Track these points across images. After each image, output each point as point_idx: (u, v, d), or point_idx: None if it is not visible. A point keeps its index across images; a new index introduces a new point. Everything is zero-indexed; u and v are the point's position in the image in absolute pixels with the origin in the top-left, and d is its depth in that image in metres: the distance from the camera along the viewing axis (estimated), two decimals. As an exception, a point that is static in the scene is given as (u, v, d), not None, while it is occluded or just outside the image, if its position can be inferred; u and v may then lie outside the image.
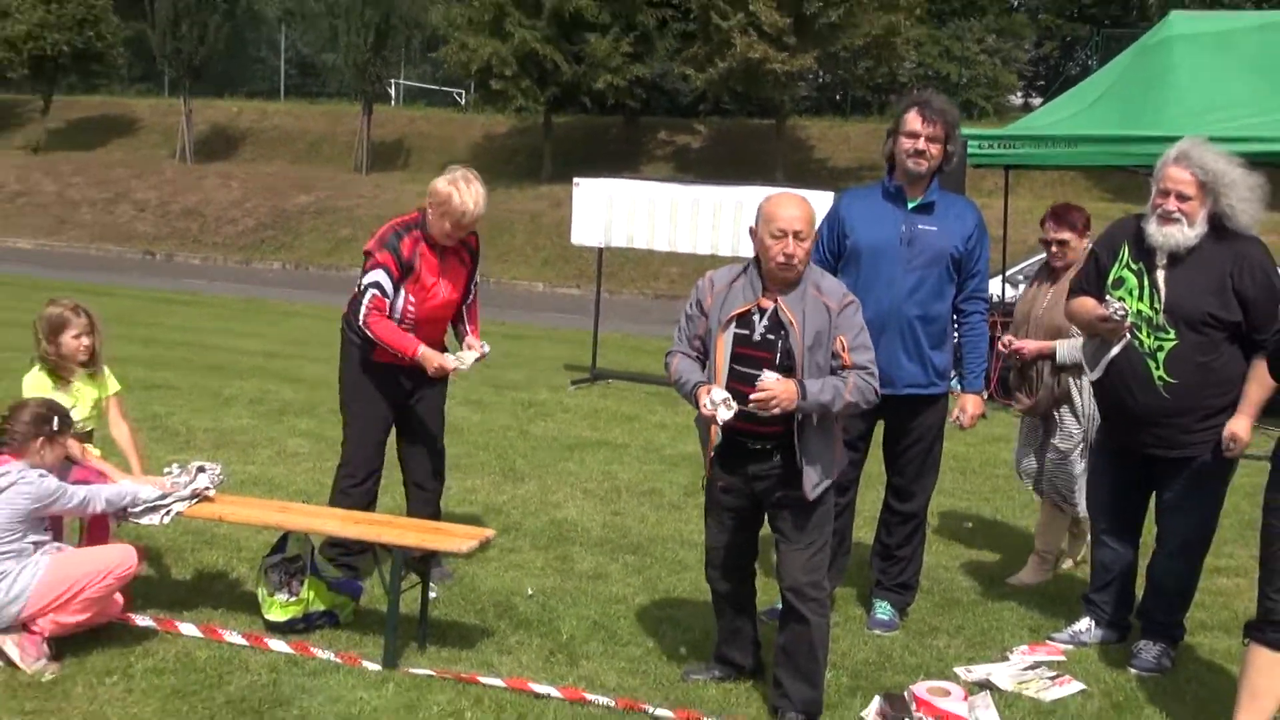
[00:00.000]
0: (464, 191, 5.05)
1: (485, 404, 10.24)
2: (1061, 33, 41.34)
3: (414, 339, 5.15)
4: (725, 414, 3.91)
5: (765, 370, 3.95)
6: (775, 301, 4.09)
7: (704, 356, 4.22)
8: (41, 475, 4.47)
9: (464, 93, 39.38)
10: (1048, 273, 6.08)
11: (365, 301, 5.09)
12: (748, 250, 4.38)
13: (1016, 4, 43.25)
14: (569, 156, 30.03)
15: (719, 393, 3.93)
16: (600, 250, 12.03)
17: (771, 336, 4.08)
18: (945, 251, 5.05)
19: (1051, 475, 5.91)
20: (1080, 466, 5.78)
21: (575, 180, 11.82)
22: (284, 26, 44.72)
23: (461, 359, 5.26)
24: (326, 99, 40.16)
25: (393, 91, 38.70)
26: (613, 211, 11.22)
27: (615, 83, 28.63)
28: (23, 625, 4.41)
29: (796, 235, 3.99)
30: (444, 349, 5.37)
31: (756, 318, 4.09)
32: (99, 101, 37.93)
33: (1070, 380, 5.76)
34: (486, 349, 5.38)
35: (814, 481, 4.10)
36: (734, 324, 4.09)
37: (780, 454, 4.13)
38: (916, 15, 29.21)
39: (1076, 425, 5.81)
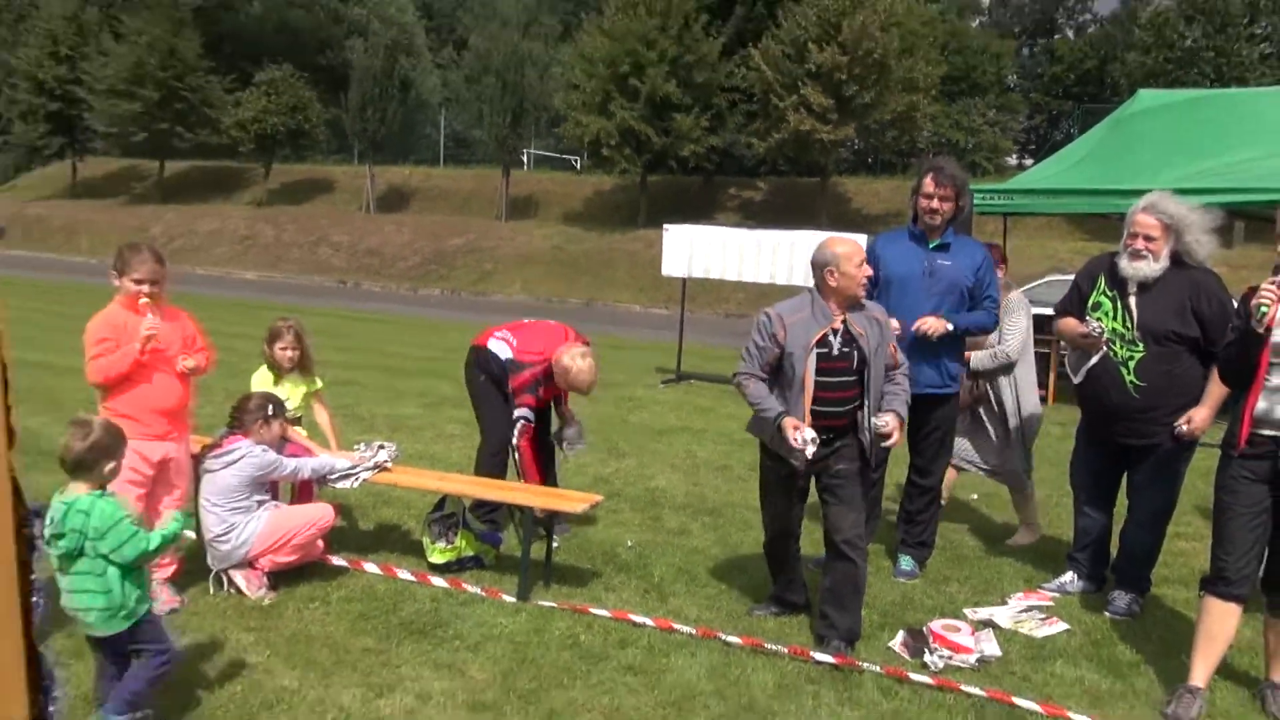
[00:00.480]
0: (583, 375, 5.20)
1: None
2: (1049, 107, 40.44)
3: (536, 473, 5.26)
4: (812, 449, 3.91)
5: (882, 414, 4.12)
6: (846, 321, 4.06)
7: (773, 377, 4.13)
8: (263, 450, 4.57)
9: (579, 158, 39.52)
10: None
11: (517, 428, 5.17)
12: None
13: (1012, 85, 42.32)
14: (659, 207, 29.92)
15: (809, 432, 3.91)
16: (684, 279, 11.98)
17: (847, 349, 4.06)
18: (959, 282, 4.94)
19: (996, 469, 5.80)
20: (1019, 452, 5.70)
21: (665, 226, 11.78)
22: (443, 110, 45.31)
23: (570, 444, 5.58)
24: (475, 164, 40.53)
25: (525, 158, 39.01)
26: (694, 250, 11.17)
27: (695, 150, 28.49)
28: (249, 563, 4.51)
29: (863, 265, 4.05)
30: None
31: (832, 337, 4.05)
32: (306, 168, 38.74)
33: (989, 384, 5.67)
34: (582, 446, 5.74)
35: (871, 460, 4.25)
36: (816, 346, 4.03)
37: (840, 441, 4.11)
38: (932, 95, 28.70)
39: (1003, 423, 5.70)
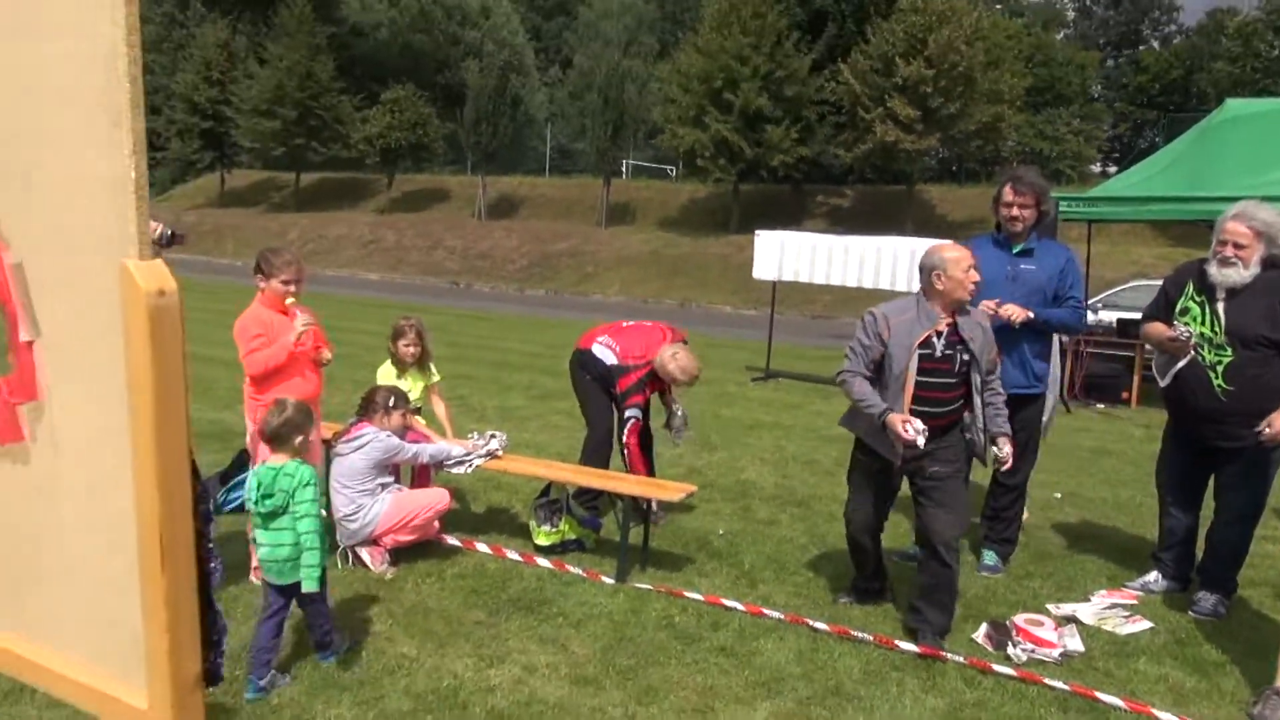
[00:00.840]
0: (683, 370, 5.28)
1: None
2: (1133, 117, 38.82)
3: (642, 465, 5.34)
4: (922, 440, 3.81)
5: (1001, 442, 4.09)
6: (953, 323, 3.96)
7: (877, 375, 4.01)
8: (388, 435, 4.68)
9: (674, 168, 39.50)
10: None
11: (628, 426, 5.27)
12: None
13: (1096, 96, 40.78)
14: (750, 214, 29.69)
15: (918, 423, 3.80)
16: (774, 282, 11.85)
17: (950, 352, 3.95)
18: (1042, 285, 4.77)
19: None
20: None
21: (757, 232, 11.67)
22: (549, 124, 45.82)
23: (677, 432, 5.55)
24: (577, 174, 40.91)
25: (623, 168, 39.19)
26: (784, 254, 11.05)
27: (785, 160, 28.22)
28: (373, 541, 4.63)
29: (971, 270, 3.93)
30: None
31: (936, 339, 3.95)
32: (424, 179, 39.58)
33: None
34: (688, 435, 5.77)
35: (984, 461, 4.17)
36: (919, 347, 3.93)
37: (938, 443, 3.99)
38: (1017, 106, 27.85)
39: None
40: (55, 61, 0.99)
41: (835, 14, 32.95)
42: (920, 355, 3.91)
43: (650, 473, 5.46)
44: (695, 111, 28.31)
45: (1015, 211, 4.76)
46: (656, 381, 5.39)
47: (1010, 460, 4.13)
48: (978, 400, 4.03)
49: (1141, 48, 47.20)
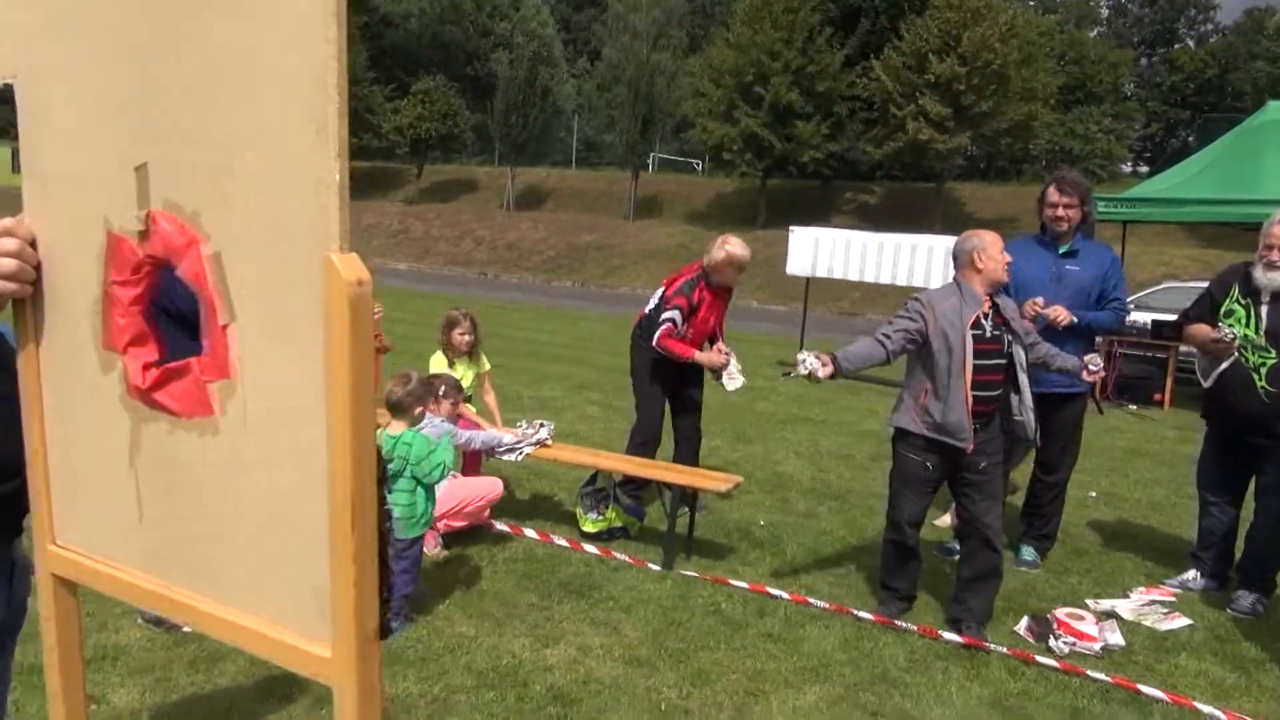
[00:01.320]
0: (739, 247, 5.29)
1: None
2: (1166, 116, 38.47)
3: (691, 347, 5.31)
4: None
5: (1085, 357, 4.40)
6: (994, 304, 4.08)
7: (929, 366, 4.06)
8: (442, 420, 4.80)
9: (700, 162, 39.51)
10: None
11: (661, 329, 5.22)
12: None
13: (1129, 94, 40.41)
14: (777, 209, 29.74)
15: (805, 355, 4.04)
16: (808, 278, 11.92)
17: (997, 332, 4.06)
18: (1086, 286, 4.84)
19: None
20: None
21: (791, 228, 11.77)
22: (577, 117, 45.91)
23: (730, 378, 5.36)
24: (605, 167, 41.02)
25: (650, 161, 39.29)
26: (818, 250, 11.13)
27: (815, 156, 28.27)
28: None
29: (1005, 252, 4.09)
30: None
31: (984, 320, 4.04)
32: (453, 169, 39.85)
33: None
34: (741, 382, 5.45)
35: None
36: (971, 328, 4.00)
37: (986, 434, 4.08)
38: (1050, 104, 27.69)
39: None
40: (266, 75, 1.11)
41: (868, 10, 32.86)
42: (974, 336, 3.99)
43: (692, 462, 5.53)
44: (725, 106, 28.34)
45: (1060, 212, 4.83)
46: (706, 291, 5.31)
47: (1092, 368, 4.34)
48: (1023, 379, 4.12)
49: (1176, 46, 46.73)
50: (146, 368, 1.30)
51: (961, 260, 4.11)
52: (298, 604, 1.21)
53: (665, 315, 5.25)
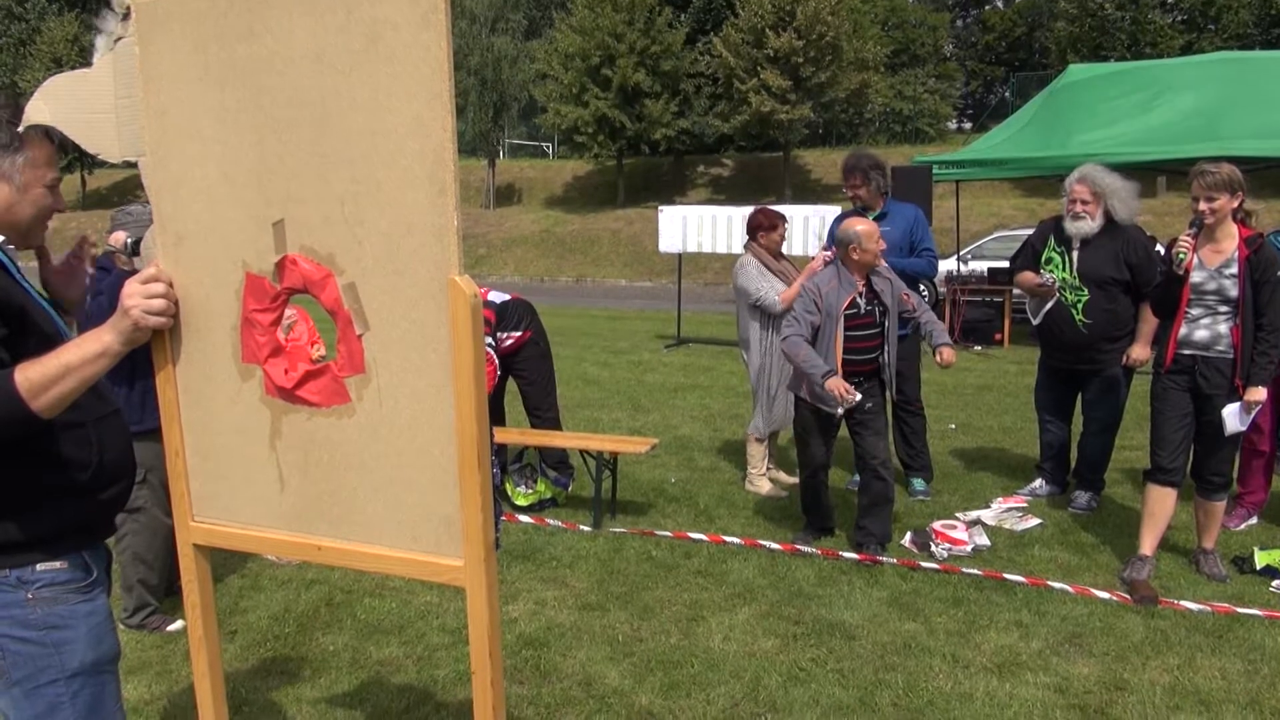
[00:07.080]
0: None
1: (609, 364, 10.82)
2: (983, 74, 41.08)
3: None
4: (857, 397, 4.56)
5: (944, 349, 4.79)
6: (868, 283, 4.72)
7: (814, 336, 4.68)
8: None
9: (550, 145, 39.73)
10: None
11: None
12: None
13: (949, 55, 42.85)
14: (635, 187, 30.45)
15: (857, 395, 4.55)
16: (679, 254, 12.54)
17: (870, 307, 4.71)
18: (898, 241, 5.55)
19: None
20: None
21: (660, 208, 12.32)
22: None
23: None
24: (461, 156, 40.64)
25: (502, 148, 39.22)
26: (687, 228, 11.77)
27: (666, 133, 29.01)
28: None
29: (879, 240, 4.73)
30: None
31: (859, 299, 4.68)
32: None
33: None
34: None
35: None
36: (846, 309, 4.65)
37: (868, 383, 4.77)
38: (881, 71, 29.29)
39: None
40: (394, 154, 1.55)
41: (702, -13, 33.75)
42: (847, 316, 4.66)
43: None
44: (576, 89, 28.74)
45: (851, 193, 5.74)
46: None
47: (950, 360, 4.78)
48: (889, 346, 4.80)
49: (987, 7, 49.74)
50: (288, 371, 1.73)
51: (840, 250, 4.76)
52: (432, 530, 1.67)
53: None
